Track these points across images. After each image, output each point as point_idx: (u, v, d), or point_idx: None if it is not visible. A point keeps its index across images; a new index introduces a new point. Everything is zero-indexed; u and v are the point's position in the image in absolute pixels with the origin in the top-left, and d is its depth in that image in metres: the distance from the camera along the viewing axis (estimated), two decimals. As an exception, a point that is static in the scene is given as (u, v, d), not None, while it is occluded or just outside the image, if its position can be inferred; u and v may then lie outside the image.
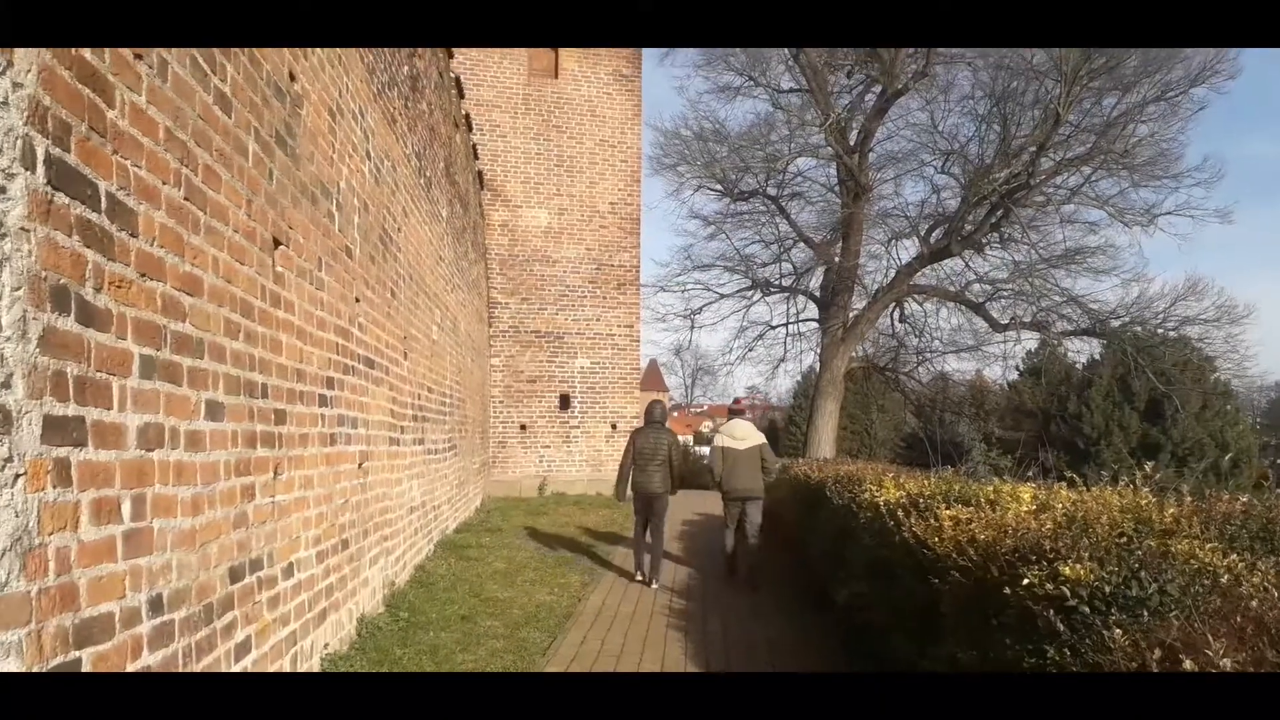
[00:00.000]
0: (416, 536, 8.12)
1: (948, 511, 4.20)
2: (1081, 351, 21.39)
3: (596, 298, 17.10)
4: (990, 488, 4.97)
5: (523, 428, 16.78)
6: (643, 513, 8.20)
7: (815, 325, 19.30)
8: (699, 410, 71.10)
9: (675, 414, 69.98)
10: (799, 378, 54.12)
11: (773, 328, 20.35)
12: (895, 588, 4.57)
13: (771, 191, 18.44)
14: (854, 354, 18.55)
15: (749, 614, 6.84)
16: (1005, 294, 16.97)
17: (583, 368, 17.03)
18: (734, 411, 9.53)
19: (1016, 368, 43.53)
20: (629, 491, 8.38)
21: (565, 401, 16.94)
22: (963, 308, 18.03)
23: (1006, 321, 16.84)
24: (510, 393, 16.76)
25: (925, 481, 5.53)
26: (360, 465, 5.87)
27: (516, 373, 16.78)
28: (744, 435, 8.24)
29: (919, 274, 17.87)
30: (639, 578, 8.05)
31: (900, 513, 4.63)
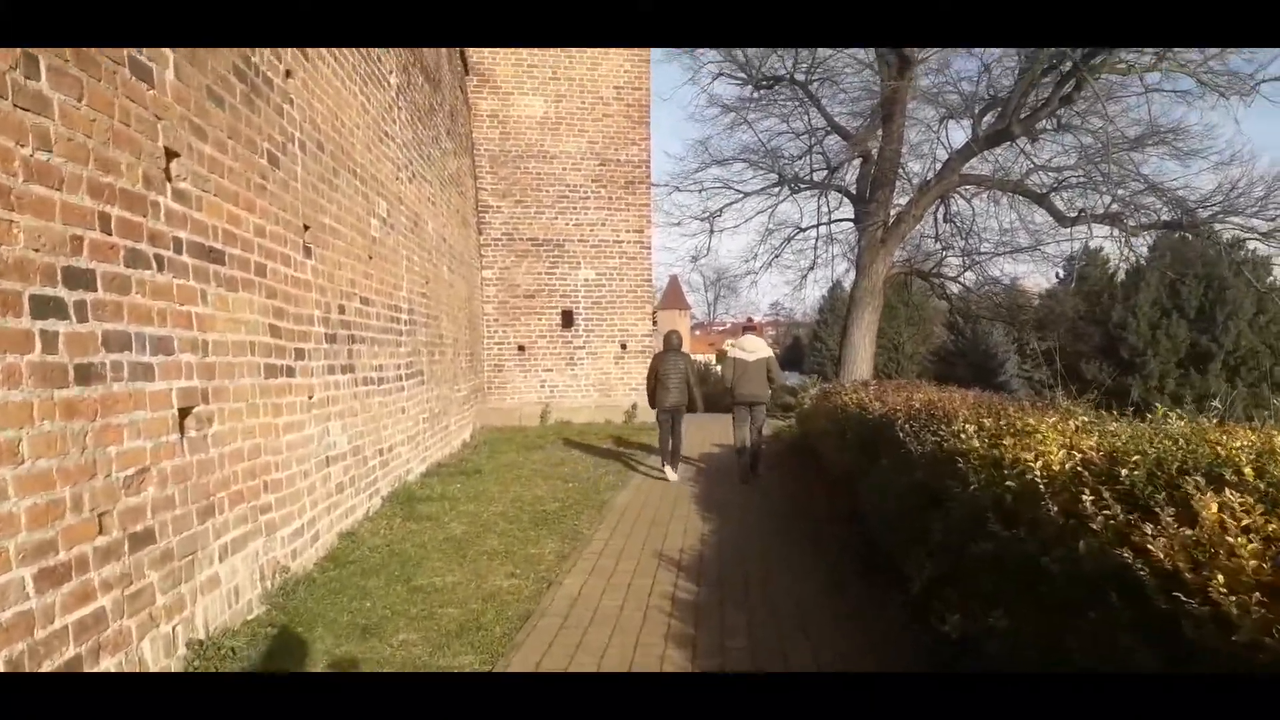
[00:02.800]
0: (342, 494, 6.04)
1: (1216, 499, 1.99)
2: (1133, 255, 18.67)
3: (601, 199, 14.72)
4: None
5: (521, 349, 14.64)
6: (665, 423, 9.26)
7: (851, 225, 16.77)
8: (721, 328, 68.79)
9: (697, 332, 67.88)
10: (825, 292, 51.66)
11: (802, 230, 17.77)
12: (1070, 619, 2.41)
13: (800, 76, 15.79)
14: (894, 258, 16.09)
15: (778, 584, 4.77)
16: (1073, 183, 14.38)
17: (587, 280, 14.77)
18: (747, 328, 10.09)
19: (1056, 274, 40.82)
20: (653, 406, 9.39)
21: (568, 319, 14.74)
22: (1022, 201, 15.42)
23: (1074, 215, 14.29)
24: (505, 309, 14.57)
25: (1100, 430, 3.29)
26: (182, 412, 3.72)
27: (512, 286, 14.56)
28: (753, 349, 8.97)
29: (968, 165, 15.27)
30: (666, 475, 9.12)
31: (1087, 497, 2.43)
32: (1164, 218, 14.05)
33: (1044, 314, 29.25)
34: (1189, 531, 1.98)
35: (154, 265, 3.51)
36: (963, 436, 4.15)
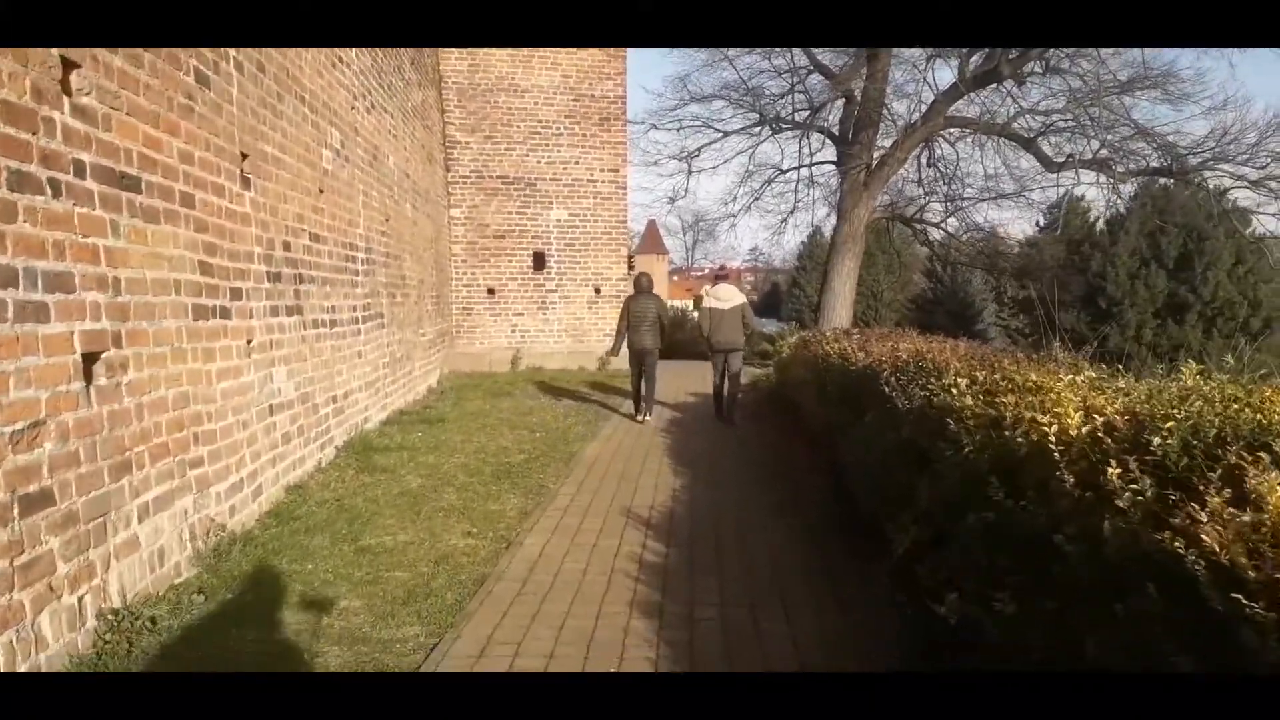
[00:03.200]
0: (289, 445, 5.65)
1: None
2: (1121, 201, 18.35)
3: (575, 136, 14.16)
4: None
5: (490, 292, 14.19)
6: (637, 365, 9.36)
7: (833, 168, 16.29)
8: (699, 274, 68.27)
9: (675, 278, 67.33)
10: (805, 238, 51.16)
11: (783, 171, 17.18)
12: (1093, 610, 2.09)
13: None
14: (876, 203, 15.65)
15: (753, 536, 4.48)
16: (1061, 127, 13.94)
17: (559, 220, 14.28)
18: (719, 277, 10.36)
19: (1037, 223, 40.58)
20: (624, 349, 9.46)
21: (540, 261, 14.28)
22: (1008, 145, 14.98)
23: (1062, 160, 13.89)
24: (474, 250, 14.07)
25: (1113, 388, 2.96)
26: (87, 357, 3.30)
27: (481, 226, 14.04)
28: (727, 297, 9.22)
29: (954, 108, 14.80)
30: (639, 419, 9.29)
31: (1114, 470, 2.09)
32: (1153, 164, 13.72)
33: (1025, 262, 29.01)
34: (1246, 517, 1.65)
35: (47, 190, 3.05)
36: (954, 392, 3.82)
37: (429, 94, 12.05)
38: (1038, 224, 40.51)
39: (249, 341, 4.98)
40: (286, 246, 5.68)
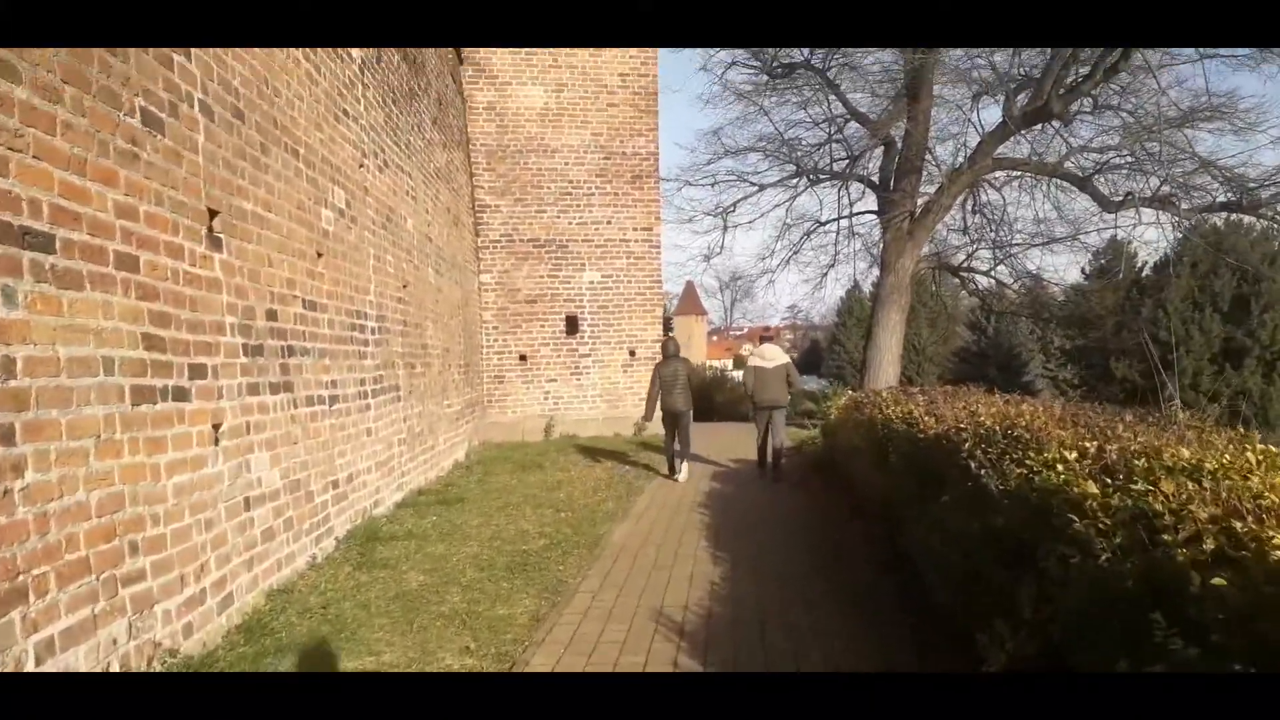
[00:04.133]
0: (272, 542, 4.88)
1: None
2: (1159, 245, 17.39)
3: (607, 195, 13.57)
4: None
5: (522, 358, 13.49)
6: (670, 427, 9.55)
7: (874, 218, 15.46)
8: (738, 333, 67.48)
9: (714, 338, 66.62)
10: (844, 294, 50.16)
11: (822, 224, 16.35)
12: None
13: (818, 62, 14.51)
14: (921, 252, 14.77)
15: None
16: (1117, 164, 13.00)
17: (592, 282, 13.61)
18: (764, 338, 10.67)
19: (1082, 270, 39.23)
20: (658, 412, 9.59)
21: (573, 324, 13.58)
22: (1059, 187, 14.06)
23: (1120, 199, 12.91)
24: (505, 316, 13.43)
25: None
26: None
27: (512, 291, 13.42)
28: (772, 356, 9.40)
29: (1001, 149, 13.94)
30: (675, 478, 9.44)
31: None
32: (1220, 199, 12.66)
33: (1073, 310, 27.72)
34: None
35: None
36: (1059, 469, 2.95)
37: (454, 155, 11.54)
38: (1083, 271, 39.27)
39: (216, 426, 4.25)
40: (272, 315, 4.99)
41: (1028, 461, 3.20)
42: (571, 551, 5.87)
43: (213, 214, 4.32)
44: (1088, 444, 3.14)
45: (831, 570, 5.26)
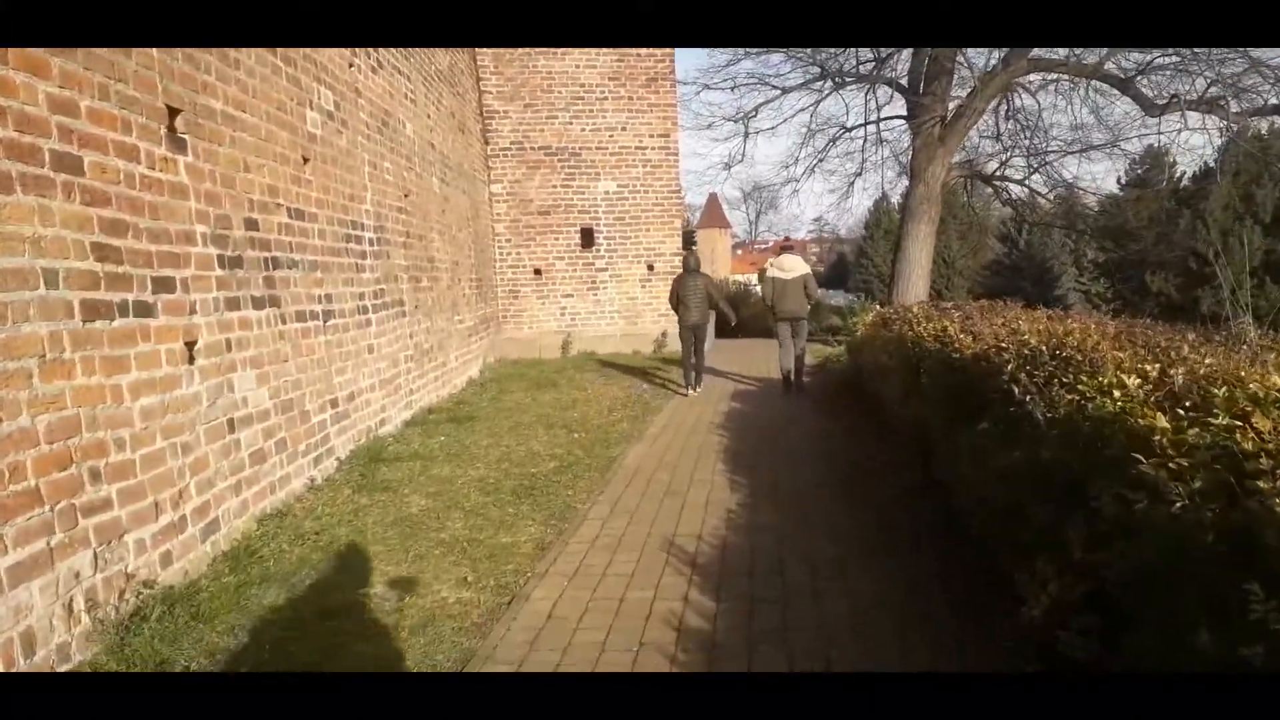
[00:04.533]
0: (264, 464, 4.60)
1: None
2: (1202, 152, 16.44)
3: (621, 100, 12.90)
4: None
5: (537, 272, 13.08)
6: (688, 341, 9.46)
7: (903, 124, 14.67)
8: (763, 246, 66.37)
9: (739, 251, 65.65)
10: (871, 205, 48.87)
11: (848, 129, 15.52)
12: None
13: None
14: (952, 160, 14.03)
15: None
16: (1163, 65, 12.10)
17: (607, 193, 13.07)
18: (784, 248, 10.25)
19: (1118, 179, 37.91)
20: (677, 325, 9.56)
21: (588, 237, 13.11)
22: (1097, 91, 13.19)
23: (1165, 102, 12.08)
24: (518, 228, 12.97)
25: None
26: None
27: (524, 203, 12.92)
28: (791, 267, 9.25)
29: (1037, 50, 13.05)
30: (689, 392, 9.43)
31: None
32: (1272, 101, 11.81)
33: (1111, 221, 26.77)
34: None
35: None
36: (1117, 396, 2.56)
37: (458, 57, 10.92)
38: (1119, 180, 37.86)
39: (190, 344, 3.92)
40: (251, 225, 4.61)
41: (1079, 387, 2.80)
42: (582, 475, 5.58)
43: (173, 112, 3.89)
44: (1148, 367, 2.74)
45: (857, 498, 4.93)
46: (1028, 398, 3.00)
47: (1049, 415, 2.89)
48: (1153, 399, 2.49)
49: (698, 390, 9.45)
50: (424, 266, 8.37)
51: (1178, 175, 36.77)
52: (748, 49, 14.28)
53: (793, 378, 9.30)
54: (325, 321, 5.61)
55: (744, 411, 8.06)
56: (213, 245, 4.18)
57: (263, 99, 4.87)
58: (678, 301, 9.34)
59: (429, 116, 9.03)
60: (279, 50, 5.12)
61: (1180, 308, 32.97)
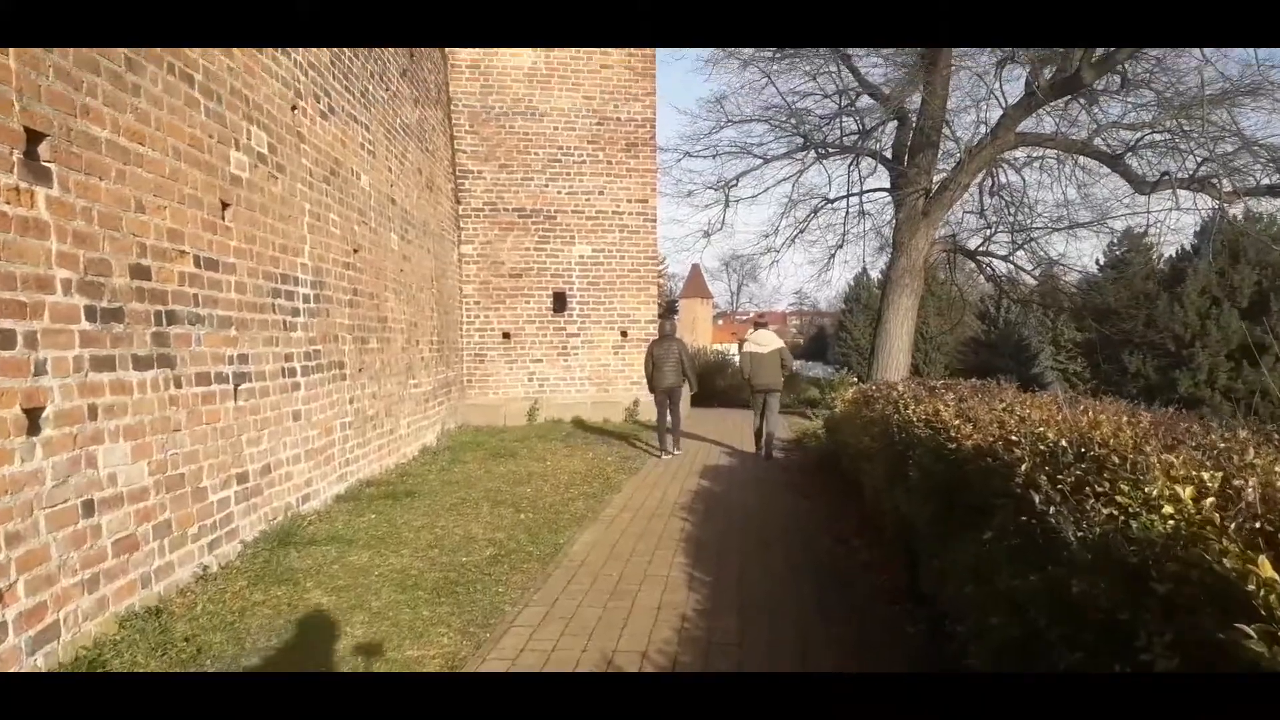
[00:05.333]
0: (135, 554, 3.85)
1: None
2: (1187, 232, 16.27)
3: (599, 164, 12.48)
4: None
5: (506, 336, 12.46)
6: (662, 404, 9.59)
7: (886, 196, 14.30)
8: (744, 318, 66.24)
9: (720, 321, 65.52)
10: (850, 279, 48.80)
11: (830, 201, 15.12)
12: None
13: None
14: (935, 234, 13.62)
15: None
16: (1153, 142, 11.82)
17: (582, 257, 12.55)
18: (759, 324, 10.63)
19: (1097, 260, 38.01)
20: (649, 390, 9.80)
21: (561, 302, 12.54)
22: (1083, 169, 12.88)
23: (1156, 179, 11.74)
24: (488, 290, 12.39)
25: None
26: None
27: (495, 264, 12.37)
28: (766, 342, 9.74)
29: (1024, 125, 12.78)
30: (664, 455, 9.51)
31: None
32: (1266, 180, 11.49)
33: (1090, 301, 26.54)
34: None
35: None
36: (1169, 513, 1.93)
37: (429, 113, 10.45)
38: (1097, 262, 37.93)
39: (33, 410, 3.22)
40: (141, 273, 3.95)
41: (1119, 499, 2.15)
42: (520, 566, 4.84)
43: (35, 136, 3.27)
44: (1204, 474, 2.09)
45: (833, 603, 4.22)
46: (1051, 509, 2.34)
47: (1079, 534, 2.23)
48: (1229, 522, 1.84)
49: (676, 452, 9.62)
50: (373, 327, 7.71)
51: (1156, 257, 36.94)
52: (732, 117, 13.91)
53: (765, 446, 9.56)
54: (238, 385, 4.92)
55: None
56: (79, 294, 3.50)
57: (170, 132, 4.26)
58: (652, 366, 9.56)
59: (390, 170, 8.49)
60: (197, 81, 4.54)
61: (1158, 389, 32.78)
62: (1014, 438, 2.83)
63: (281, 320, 5.62)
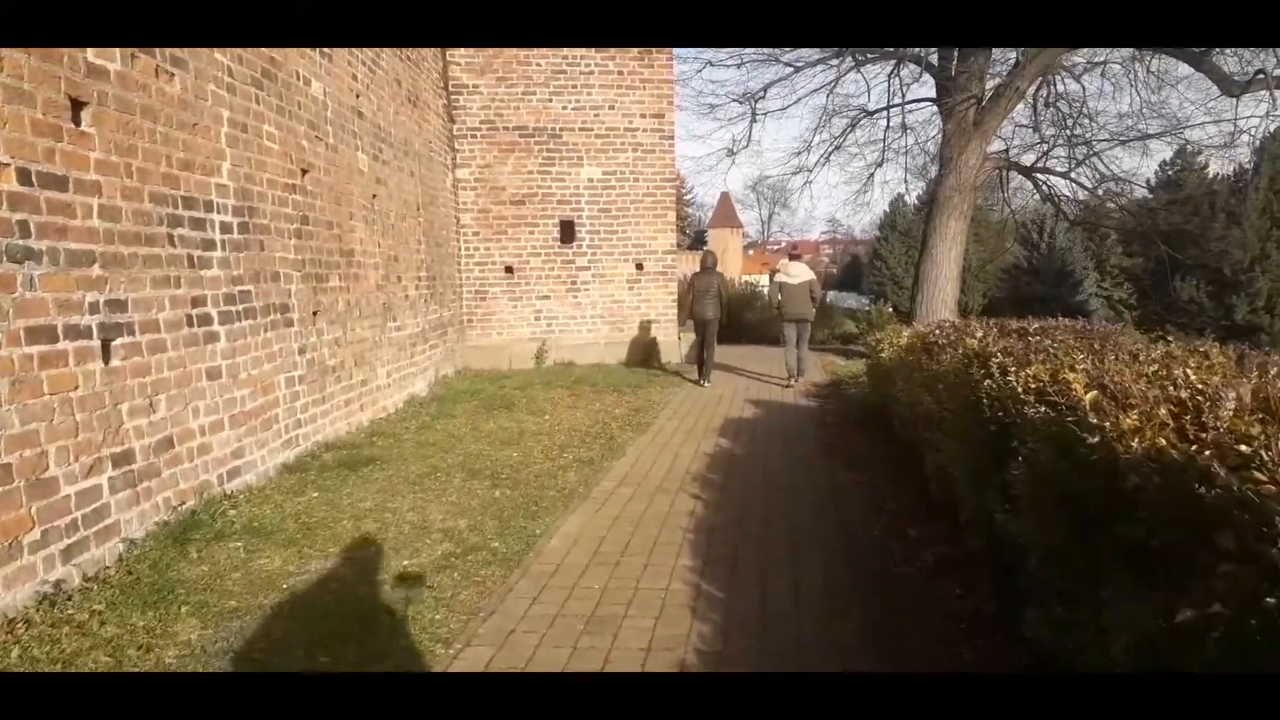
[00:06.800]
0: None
1: None
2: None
3: (609, 74, 11.02)
4: None
5: (509, 270, 11.21)
6: (700, 333, 10.08)
7: (932, 109, 12.72)
8: (775, 246, 64.24)
9: (750, 251, 63.63)
10: (887, 206, 46.53)
11: (870, 114, 13.50)
12: None
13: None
14: (988, 148, 12.04)
15: None
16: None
17: (591, 180, 11.19)
18: (792, 255, 11.16)
19: (1147, 181, 35.69)
20: (689, 320, 10.27)
21: (568, 231, 11.23)
22: (1155, 75, 11.16)
23: (1247, 79, 10.05)
24: (488, 219, 11.10)
25: None
26: None
27: (495, 190, 11.05)
28: (797, 273, 10.00)
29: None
30: (702, 384, 9.87)
31: None
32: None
33: (1140, 224, 24.62)
34: None
35: None
36: None
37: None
38: (1148, 182, 35.53)
39: None
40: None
41: None
42: (475, 575, 3.68)
43: None
44: None
45: (891, 639, 3.02)
46: None
47: None
48: None
49: (707, 384, 9.81)
50: (333, 262, 6.50)
51: (1211, 177, 34.51)
52: (754, 47, 12.34)
53: (796, 372, 9.94)
54: (108, 340, 3.76)
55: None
56: None
57: None
58: (693, 297, 9.82)
59: (354, 78, 7.17)
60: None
61: (1211, 316, 30.84)
62: (1243, 447, 1.57)
63: (185, 255, 4.42)
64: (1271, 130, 14.39)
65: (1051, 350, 2.81)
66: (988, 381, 2.70)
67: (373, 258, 7.42)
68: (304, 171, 6.00)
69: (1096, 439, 1.96)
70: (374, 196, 7.52)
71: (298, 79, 5.96)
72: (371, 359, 7.29)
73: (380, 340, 7.55)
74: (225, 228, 4.85)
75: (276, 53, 5.61)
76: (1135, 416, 1.90)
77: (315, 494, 4.83)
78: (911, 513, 4.34)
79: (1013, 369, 2.58)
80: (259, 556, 3.81)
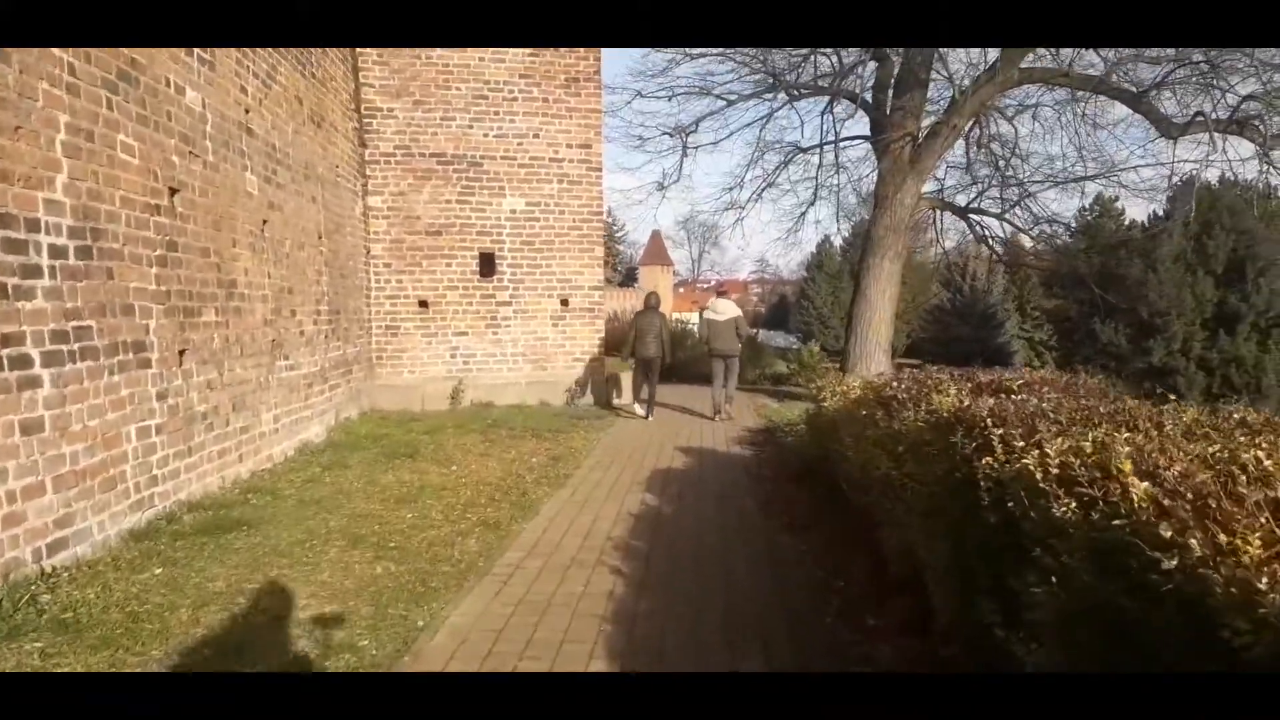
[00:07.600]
0: None
1: None
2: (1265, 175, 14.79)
3: (534, 101, 10.43)
4: None
5: (423, 304, 10.44)
6: (642, 370, 10.35)
7: (867, 146, 12.43)
8: (705, 284, 64.30)
9: (681, 290, 63.61)
10: (814, 247, 46.85)
11: (802, 150, 13.29)
12: None
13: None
14: (923, 187, 11.79)
15: None
16: (1182, 78, 9.98)
17: (514, 211, 10.54)
18: (719, 293, 11.04)
19: (1066, 226, 36.54)
20: (630, 358, 10.36)
21: (488, 264, 10.53)
22: (1087, 120, 11.09)
23: (1185, 121, 9.95)
24: (401, 250, 10.33)
25: None
26: None
27: (410, 219, 10.30)
28: (724, 310, 10.39)
29: (1029, 59, 10.93)
30: (646, 418, 10.20)
31: None
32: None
33: (1058, 269, 24.94)
34: None
35: None
36: None
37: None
38: (1068, 226, 36.50)
39: None
40: None
41: None
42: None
43: None
44: None
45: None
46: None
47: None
48: None
49: (650, 418, 10.13)
50: (209, 294, 5.68)
51: (1127, 223, 35.62)
52: (690, 50, 11.93)
53: (723, 407, 10.35)
54: None
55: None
56: None
57: None
58: (635, 336, 10.09)
59: (244, 91, 6.40)
60: None
61: (1128, 359, 31.59)
62: None
63: (-5, 283, 3.61)
64: (1206, 174, 14.54)
65: (1051, 414, 2.23)
66: (987, 459, 2.09)
67: (261, 289, 6.61)
68: (173, 191, 5.21)
69: (1174, 561, 1.37)
70: (265, 222, 6.72)
71: (167, 85, 5.19)
72: (255, 402, 6.45)
73: (267, 381, 6.71)
74: (57, 251, 4.04)
75: (139, 53, 4.85)
76: (1228, 537, 1.31)
77: (159, 570, 4.00)
78: (866, 592, 3.73)
79: (1019, 443, 1.99)
80: (59, 663, 2.98)
